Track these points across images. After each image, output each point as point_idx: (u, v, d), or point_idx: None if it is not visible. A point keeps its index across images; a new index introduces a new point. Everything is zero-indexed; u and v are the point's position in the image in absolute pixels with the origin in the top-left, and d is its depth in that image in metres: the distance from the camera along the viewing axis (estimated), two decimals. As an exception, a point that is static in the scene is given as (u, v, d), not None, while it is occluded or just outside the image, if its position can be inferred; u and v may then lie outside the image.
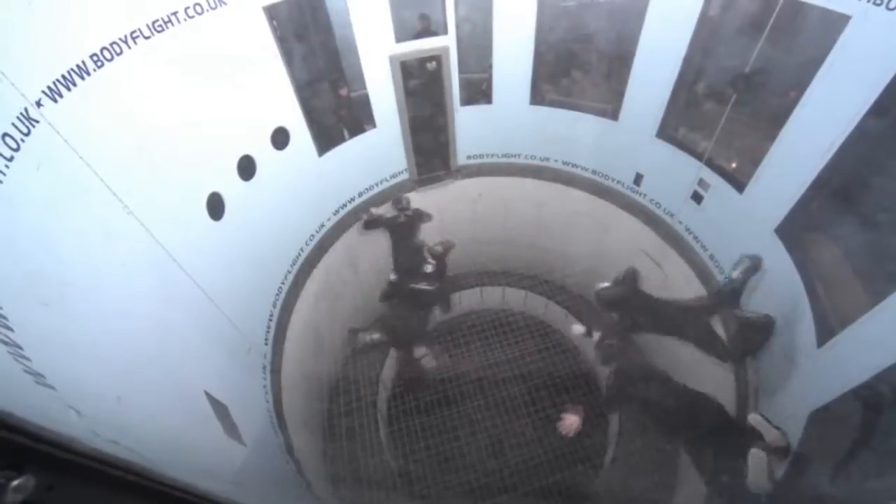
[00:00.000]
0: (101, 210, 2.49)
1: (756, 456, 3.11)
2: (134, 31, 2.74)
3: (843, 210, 3.59)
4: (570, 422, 3.78)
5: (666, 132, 4.79)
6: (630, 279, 4.23)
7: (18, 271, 1.88)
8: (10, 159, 1.95)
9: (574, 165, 5.91)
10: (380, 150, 5.55)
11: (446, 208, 6.38)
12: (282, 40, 4.10)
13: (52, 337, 1.93)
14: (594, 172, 5.80)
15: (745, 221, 4.16)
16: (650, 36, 4.36)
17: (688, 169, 4.66)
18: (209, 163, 3.56)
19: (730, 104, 4.06)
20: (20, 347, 1.69)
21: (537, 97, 5.53)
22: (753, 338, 3.89)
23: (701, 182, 4.59)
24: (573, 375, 6.60)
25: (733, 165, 4.37)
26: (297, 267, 5.01)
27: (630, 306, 4.21)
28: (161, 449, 2.07)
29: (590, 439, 6.02)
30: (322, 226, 5.37)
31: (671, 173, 4.88)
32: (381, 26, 4.62)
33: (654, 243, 5.41)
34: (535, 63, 5.21)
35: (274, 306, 4.61)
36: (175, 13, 3.04)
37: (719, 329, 4.04)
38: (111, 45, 2.59)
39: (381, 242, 6.18)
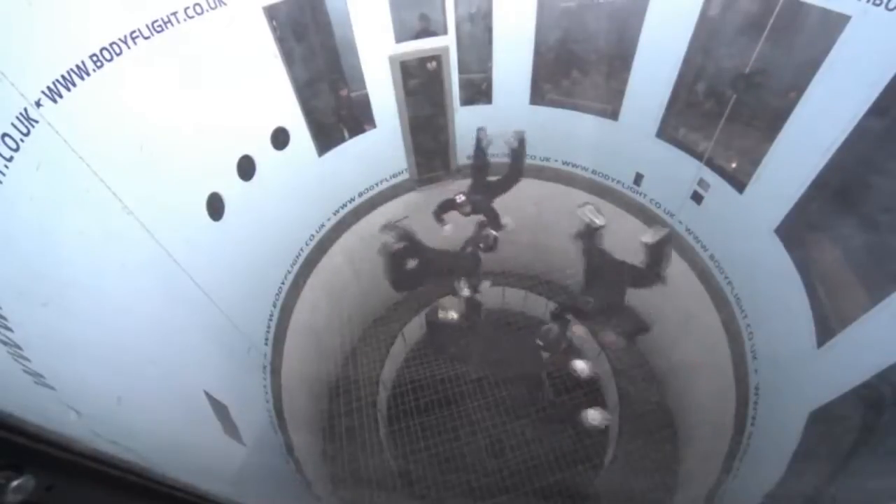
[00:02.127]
0: (101, 210, 2.49)
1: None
2: (134, 31, 2.74)
3: (843, 210, 3.60)
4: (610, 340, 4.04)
5: (666, 132, 4.79)
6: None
7: (18, 271, 1.88)
8: (10, 159, 1.94)
9: (574, 165, 5.91)
10: (380, 150, 5.55)
11: (446, 208, 6.37)
12: (282, 40, 4.11)
13: (52, 337, 1.92)
14: (594, 172, 5.80)
15: (745, 221, 4.16)
16: (650, 36, 4.36)
17: (688, 169, 4.66)
18: (209, 163, 3.56)
19: (730, 104, 4.06)
20: (20, 347, 1.69)
21: (537, 97, 5.54)
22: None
23: (701, 182, 4.59)
24: (573, 375, 6.59)
25: (733, 165, 4.37)
26: (297, 267, 5.01)
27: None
28: (161, 449, 2.07)
29: (590, 439, 6.02)
30: (322, 226, 5.38)
31: (671, 173, 4.88)
32: (381, 26, 4.63)
33: (654, 243, 5.41)
34: (535, 63, 5.21)
35: (274, 306, 4.61)
36: (175, 13, 3.04)
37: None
38: (111, 45, 2.59)
39: (380, 241, 6.17)
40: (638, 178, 5.37)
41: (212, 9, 3.33)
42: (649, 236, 4.15)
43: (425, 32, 5.00)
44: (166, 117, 3.05)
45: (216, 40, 3.41)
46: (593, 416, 3.96)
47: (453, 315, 4.46)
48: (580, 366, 4.03)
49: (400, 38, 4.81)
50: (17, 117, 2.02)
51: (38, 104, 2.14)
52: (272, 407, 4.24)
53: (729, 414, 4.31)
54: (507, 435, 6.15)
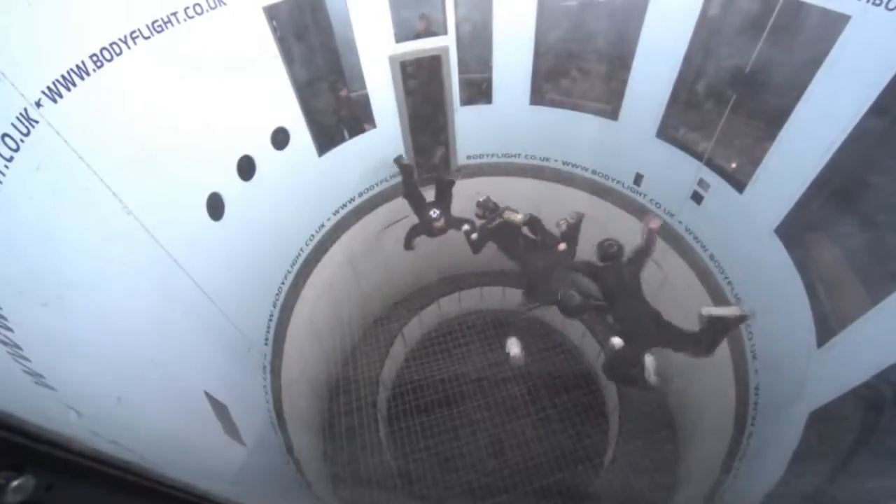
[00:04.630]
0: (101, 210, 2.49)
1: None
2: (134, 31, 2.74)
3: (843, 210, 3.59)
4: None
5: (666, 132, 4.79)
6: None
7: (18, 271, 1.88)
8: (10, 159, 1.94)
9: (574, 165, 5.91)
10: (380, 150, 5.55)
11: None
12: (282, 40, 4.10)
13: (52, 337, 1.92)
14: (594, 172, 5.80)
15: (745, 221, 4.16)
16: (650, 36, 4.36)
17: (688, 169, 4.66)
18: (209, 163, 3.56)
19: (730, 104, 4.06)
20: (20, 348, 1.69)
21: (537, 97, 5.53)
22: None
23: (701, 182, 4.59)
24: (573, 375, 6.61)
25: (733, 165, 4.37)
26: (297, 267, 5.01)
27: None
28: (161, 449, 2.07)
29: (590, 439, 6.03)
30: (322, 226, 5.38)
31: (671, 173, 4.88)
32: (381, 26, 4.63)
33: (654, 243, 5.41)
34: (535, 63, 5.21)
35: (274, 306, 4.61)
36: (175, 13, 3.04)
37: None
38: (111, 45, 2.59)
39: (380, 241, 6.18)
40: (638, 178, 5.37)
41: (212, 9, 3.33)
42: (717, 310, 3.80)
43: (425, 32, 5.00)
44: (166, 117, 3.05)
45: (216, 40, 3.41)
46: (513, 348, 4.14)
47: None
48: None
49: (400, 38, 4.81)
50: (17, 117, 2.02)
51: (38, 104, 2.14)
52: (272, 407, 4.24)
53: (729, 414, 4.31)
54: (507, 435, 6.15)
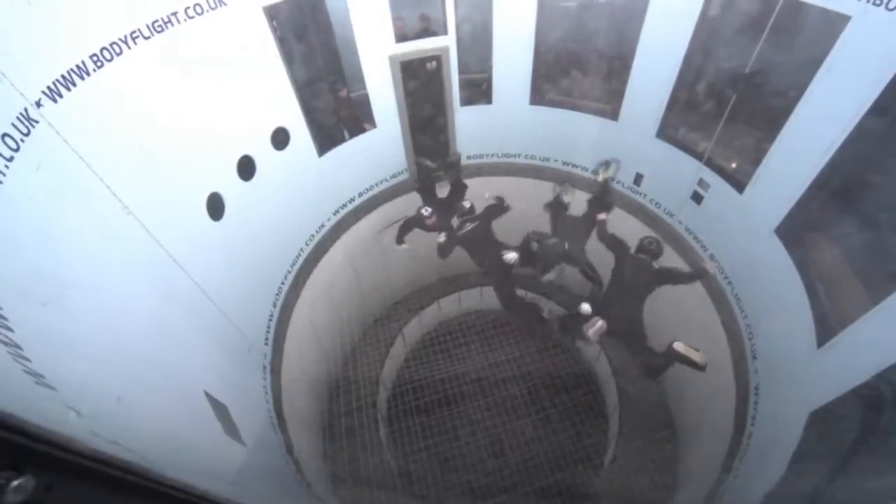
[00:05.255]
0: (101, 210, 2.49)
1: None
2: (134, 32, 2.74)
3: (843, 210, 3.60)
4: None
5: (666, 132, 4.79)
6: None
7: (18, 271, 1.88)
8: (10, 159, 1.94)
9: (574, 165, 5.91)
10: (380, 150, 5.55)
11: (446, 208, 6.36)
12: (282, 40, 4.10)
13: (52, 337, 1.92)
14: (594, 172, 5.80)
15: (745, 221, 4.17)
16: (650, 36, 4.36)
17: (688, 169, 4.66)
18: (209, 163, 3.56)
19: (730, 104, 4.06)
20: (20, 347, 1.69)
21: (537, 97, 5.54)
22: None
23: (701, 182, 4.60)
24: (573, 375, 6.61)
25: (733, 165, 4.37)
26: (297, 267, 5.01)
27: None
28: (161, 449, 2.07)
29: (590, 439, 6.03)
30: (322, 226, 5.38)
31: (671, 173, 4.89)
32: (381, 26, 4.63)
33: (654, 243, 5.41)
34: (535, 63, 5.21)
35: (274, 306, 4.61)
36: (175, 13, 3.04)
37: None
38: (111, 45, 2.59)
39: (380, 241, 6.18)
40: (638, 178, 5.37)
41: (212, 9, 3.33)
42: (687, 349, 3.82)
43: (425, 32, 5.00)
44: (166, 117, 3.05)
45: (216, 40, 3.41)
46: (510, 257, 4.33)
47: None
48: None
49: (400, 38, 4.81)
50: (18, 117, 2.02)
51: (38, 104, 2.14)
52: (272, 407, 4.24)
53: (729, 414, 4.32)
54: (507, 435, 6.15)
